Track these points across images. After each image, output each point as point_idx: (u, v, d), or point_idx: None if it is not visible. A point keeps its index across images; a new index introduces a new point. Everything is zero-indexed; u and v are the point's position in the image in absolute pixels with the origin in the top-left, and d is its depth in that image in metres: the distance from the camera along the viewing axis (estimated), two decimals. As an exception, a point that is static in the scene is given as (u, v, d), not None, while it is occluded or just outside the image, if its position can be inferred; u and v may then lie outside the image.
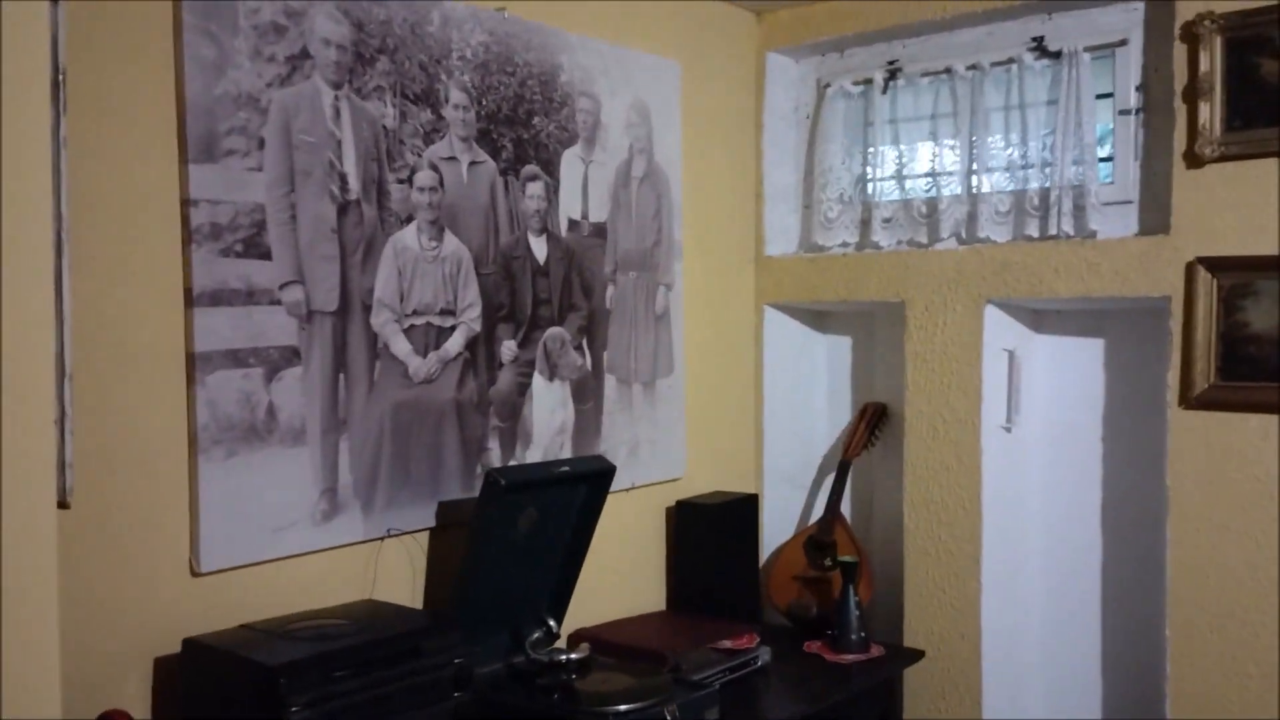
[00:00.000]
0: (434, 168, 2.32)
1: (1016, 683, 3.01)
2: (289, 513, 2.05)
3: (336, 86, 2.12)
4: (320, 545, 2.11)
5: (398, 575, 2.27)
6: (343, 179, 2.14)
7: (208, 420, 1.93)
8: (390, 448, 2.24)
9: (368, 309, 2.19)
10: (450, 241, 2.36)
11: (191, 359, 1.91)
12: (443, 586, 2.32)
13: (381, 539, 2.23)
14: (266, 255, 2.01)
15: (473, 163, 2.40)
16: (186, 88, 1.90)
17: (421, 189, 2.29)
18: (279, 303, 2.03)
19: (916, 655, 2.90)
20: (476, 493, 2.33)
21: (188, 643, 1.85)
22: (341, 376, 2.15)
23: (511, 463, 2.50)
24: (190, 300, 1.91)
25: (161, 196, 1.89)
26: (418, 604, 2.31)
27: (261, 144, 2.00)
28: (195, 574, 1.93)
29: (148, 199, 1.87)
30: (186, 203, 1.90)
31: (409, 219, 2.28)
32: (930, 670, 2.94)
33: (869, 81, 3.15)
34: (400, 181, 2.26)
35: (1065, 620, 3.03)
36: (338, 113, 2.13)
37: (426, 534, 2.33)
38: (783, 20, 3.21)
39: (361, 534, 2.19)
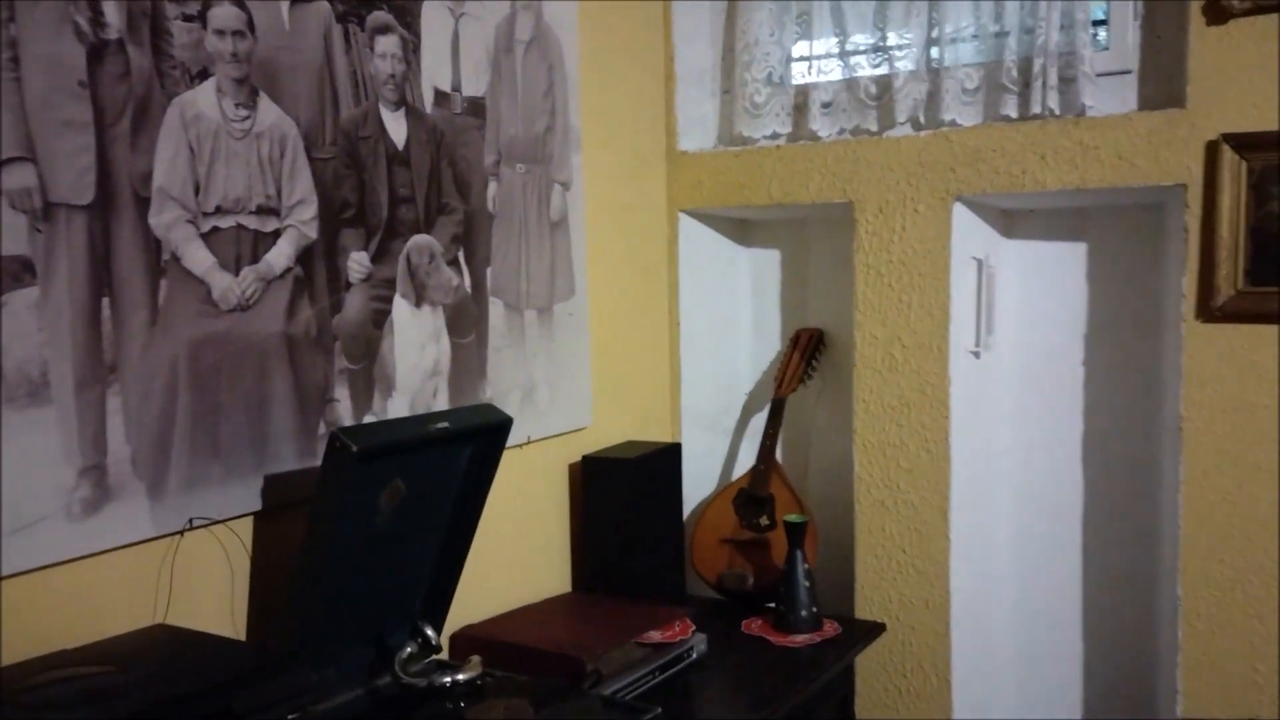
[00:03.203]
0: (239, 2, 1.62)
1: (988, 652, 2.55)
2: (29, 505, 1.37)
3: None
4: (82, 549, 1.44)
5: (206, 584, 1.61)
6: (94, 7, 1.43)
7: (-126, 371, 1.23)
8: (189, 403, 1.57)
9: (144, 203, 1.51)
10: (268, 110, 1.68)
11: None
12: (275, 593, 1.68)
13: (180, 533, 1.57)
14: (-33, 115, 1.31)
15: (296, 0, 1.72)
16: None
17: (221, 32, 1.60)
18: (-7, 189, 1.33)
19: (876, 629, 2.40)
20: (317, 461, 1.69)
21: None
22: (105, 302, 1.46)
23: (368, 418, 1.86)
24: None
25: None
26: (237, 624, 1.66)
27: (-52, -61, 1.28)
28: None
29: None
30: None
31: (203, 74, 1.58)
32: (889, 644, 2.46)
33: (802, -67, 2.56)
34: (188, 19, 1.56)
35: (1042, 578, 2.58)
36: (80, -95, 1.41)
37: (249, 521, 1.68)
38: None
39: (149, 529, 1.52)
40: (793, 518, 2.34)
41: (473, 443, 1.76)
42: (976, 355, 2.46)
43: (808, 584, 2.32)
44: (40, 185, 1.38)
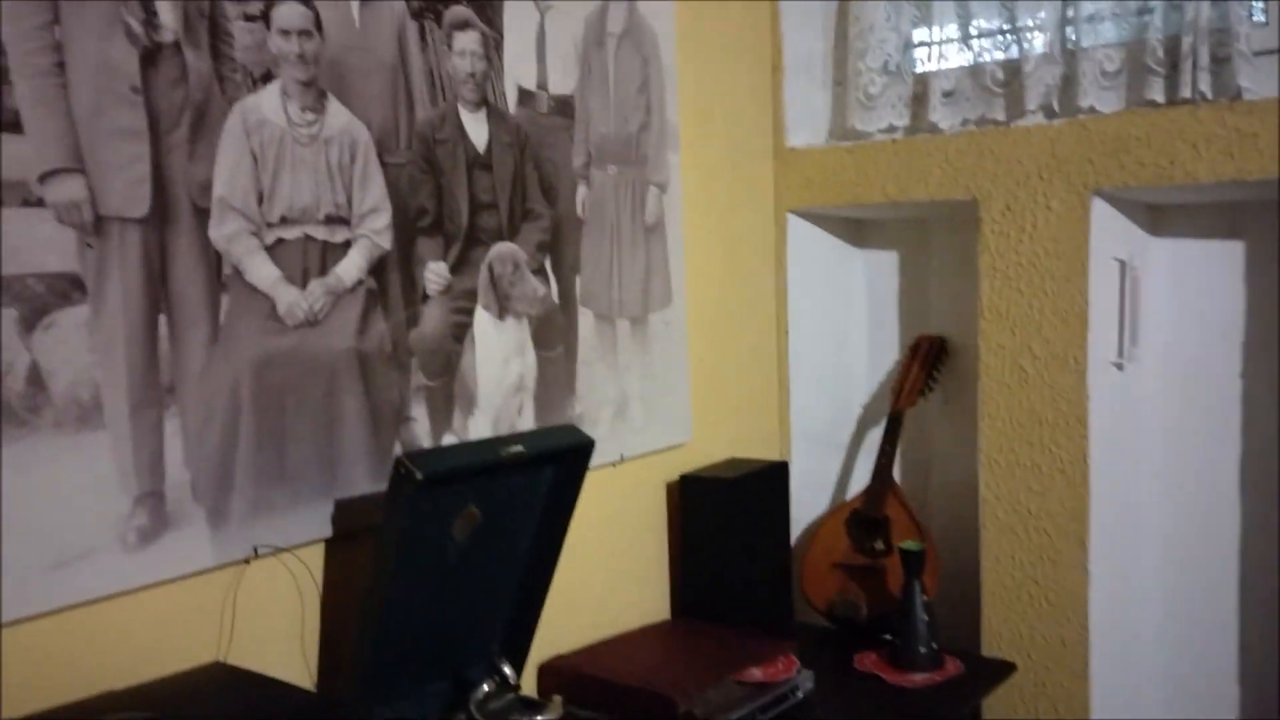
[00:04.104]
0: (305, 0, 1.53)
1: (1132, 697, 2.30)
2: (80, 535, 1.30)
3: None
4: (138, 581, 1.36)
5: (273, 617, 1.53)
6: (148, 8, 1.35)
7: (-86, 397, 1.17)
8: (253, 424, 1.48)
9: (203, 214, 1.43)
10: (337, 114, 1.58)
11: (-123, 296, 1.15)
12: (349, 626, 1.59)
13: (244, 562, 1.48)
14: (14, 126, 1.24)
15: (368, -2, 1.62)
16: None
17: (286, 32, 1.51)
18: (41, 203, 1.26)
19: (1005, 669, 2.19)
20: (394, 483, 1.59)
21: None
22: (162, 320, 1.39)
23: (447, 438, 1.75)
24: None
25: None
26: (308, 659, 1.57)
27: (-9, -60, 1.22)
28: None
29: None
30: None
31: (267, 77, 1.50)
32: (1019, 686, 2.23)
33: (921, -92, 2.36)
34: (250, 18, 1.47)
35: (1195, 615, 2.31)
36: (133, -99, 1.34)
37: (319, 549, 1.58)
38: None
39: (209, 558, 1.44)
40: (909, 545, 2.14)
41: (554, 465, 1.63)
42: (1119, 367, 2.22)
43: (926, 618, 2.13)
44: (90, 198, 1.30)
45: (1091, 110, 2.15)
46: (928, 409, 2.55)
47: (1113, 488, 2.20)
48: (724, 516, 2.15)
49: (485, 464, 1.50)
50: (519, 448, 1.52)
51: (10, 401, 1.24)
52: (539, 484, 1.64)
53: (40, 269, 1.26)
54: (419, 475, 1.39)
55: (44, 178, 1.26)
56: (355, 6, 1.60)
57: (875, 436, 2.55)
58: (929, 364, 2.48)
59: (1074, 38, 2.20)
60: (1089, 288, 2.11)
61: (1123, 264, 2.20)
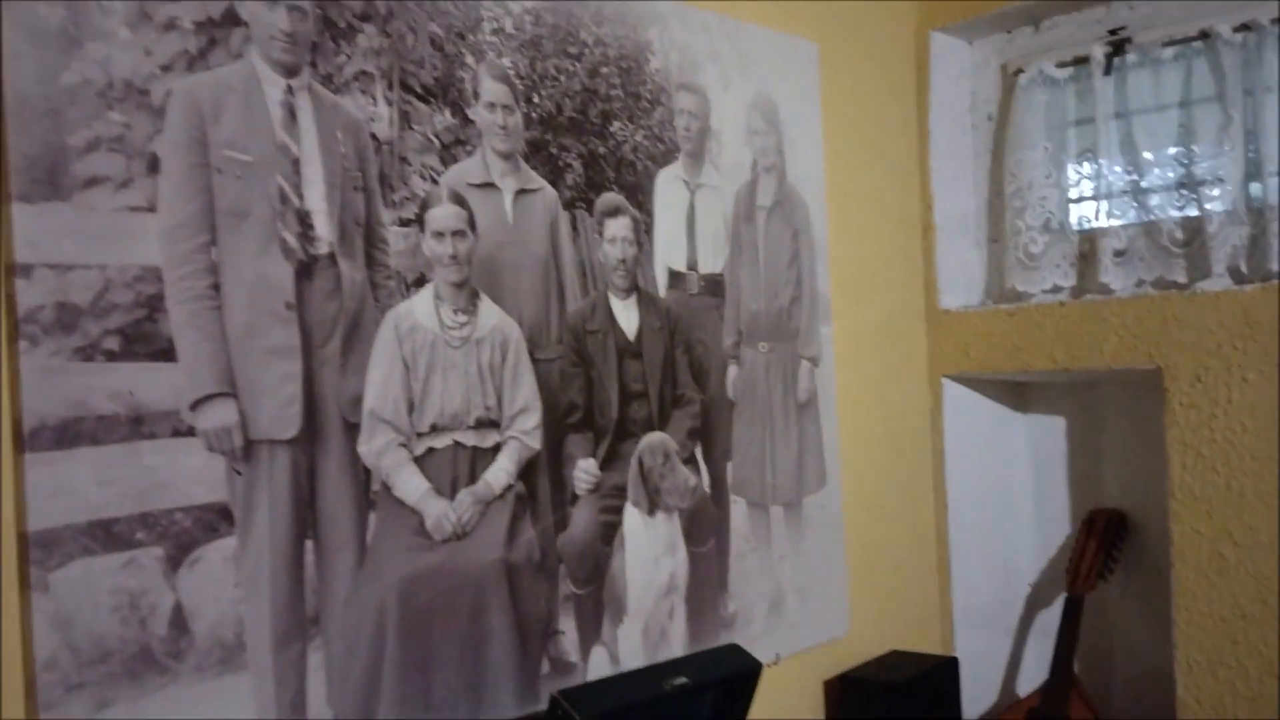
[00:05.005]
0: (459, 200, 1.48)
1: None
2: (216, 789, 1.20)
3: (289, 72, 1.30)
4: (275, 837, 1.25)
5: None
6: (304, 220, 1.31)
7: (56, 651, 1.09)
8: (397, 652, 1.37)
9: (353, 429, 1.35)
10: (489, 313, 1.51)
11: (24, 545, 1.08)
12: None
13: (385, 806, 1.36)
14: (166, 354, 1.18)
15: (521, 191, 1.56)
16: (7, 73, 1.09)
17: (440, 234, 1.45)
18: (191, 432, 1.20)
19: None
20: (542, 705, 1.46)
21: None
22: (310, 545, 1.30)
23: (596, 651, 1.62)
24: (20, 441, 1.09)
25: (-37, 261, 1.07)
26: None
27: (153, 165, 1.18)
28: None
29: (-64, 267, 1.06)
30: (10, 271, 1.09)
31: (420, 281, 1.44)
32: None
33: (1082, 61, 2.24)
34: (404, 223, 1.42)
35: None
36: (292, 114, 1.30)
37: (463, 782, 1.45)
38: (949, -13, 2.33)
39: (350, 804, 1.32)
40: (1103, 760, 1.91)
41: (716, 688, 1.48)
42: (1335, 555, 1.97)
43: (1127, 846, 1.88)
44: (241, 421, 1.24)
45: (1288, 272, 1.97)
46: (1108, 590, 2.32)
47: (1338, 696, 1.93)
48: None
49: (646, 699, 1.36)
50: (682, 679, 1.37)
51: (151, 648, 1.15)
52: (701, 708, 1.49)
53: (188, 502, 1.20)
54: (578, 718, 1.26)
55: (196, 404, 1.20)
56: (508, 200, 1.54)
57: (1046, 619, 2.33)
58: (1107, 542, 2.27)
59: (1258, 194, 2.03)
60: (1299, 470, 1.90)
61: (1334, 441, 1.97)
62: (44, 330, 1.10)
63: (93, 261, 1.14)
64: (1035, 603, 2.45)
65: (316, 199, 1.32)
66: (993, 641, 2.41)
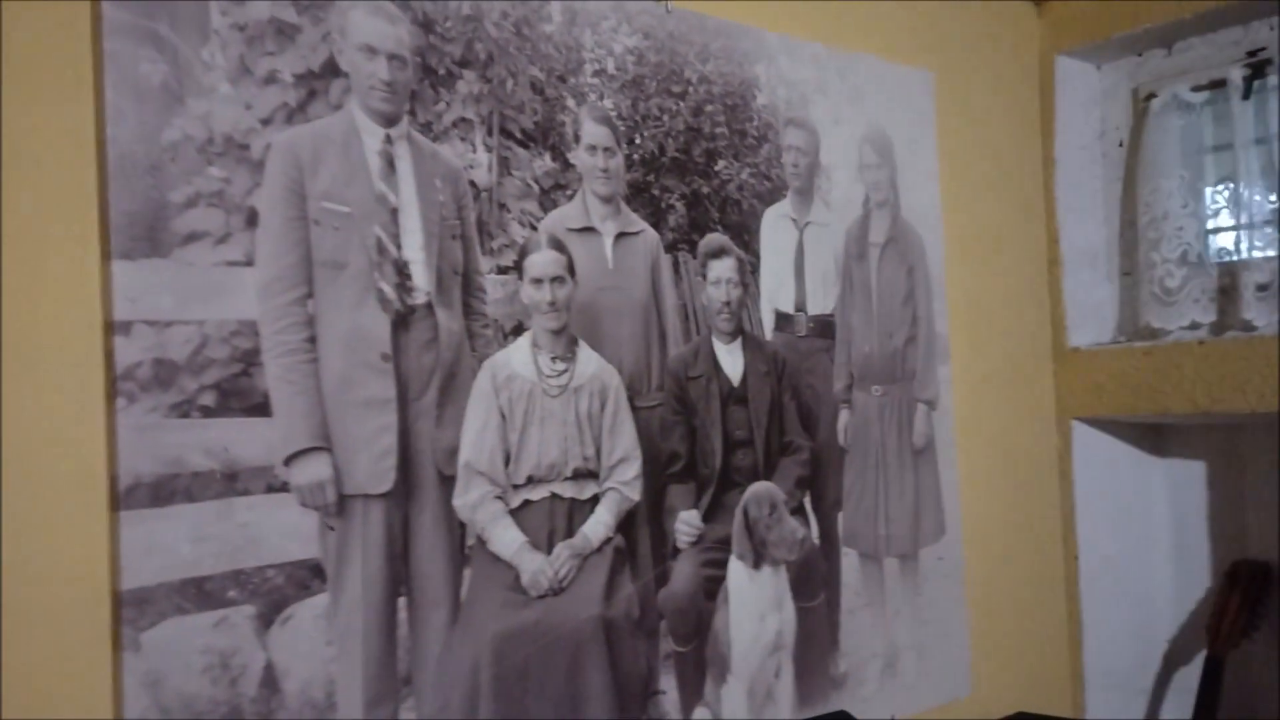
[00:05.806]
0: (558, 245, 1.44)
1: None
2: None
3: (389, 121, 1.29)
4: None
5: None
6: (401, 271, 1.29)
7: (145, 712, 1.08)
8: (492, 713, 1.33)
9: (448, 482, 1.32)
10: (588, 360, 1.47)
11: (118, 605, 1.08)
12: None
13: None
14: (261, 410, 1.17)
15: (622, 234, 1.52)
16: (110, 131, 1.10)
17: (538, 280, 1.42)
18: (285, 488, 1.19)
19: None
20: (641, 769, 1.41)
21: None
22: (402, 601, 1.27)
23: (699, 712, 1.55)
24: (116, 499, 1.08)
25: (64, 319, 1.08)
26: None
27: (251, 219, 1.18)
28: None
29: (37, 326, 1.07)
30: (109, 329, 1.09)
31: (518, 329, 1.40)
32: None
33: (1219, 84, 2.09)
34: (502, 271, 1.39)
35: None
36: (391, 164, 1.29)
37: None
38: (1076, 10, 2.20)
39: None
40: (1254, 843, 1.75)
41: (825, 759, 1.40)
42: None
43: None
44: (335, 476, 1.22)
45: None
46: (1252, 651, 2.14)
47: None
48: (1013, 789, 1.84)
49: (749, 771, 1.29)
50: (789, 752, 1.30)
51: (242, 709, 1.14)
52: (807, 779, 1.41)
53: (280, 558, 1.18)
54: (676, 793, 1.19)
55: (290, 459, 1.19)
56: (609, 244, 1.50)
57: (1185, 679, 2.16)
58: (1251, 596, 2.10)
59: None
60: None
61: None
62: (141, 387, 1.10)
63: (190, 317, 1.14)
64: (1173, 662, 2.28)
65: (414, 248, 1.30)
66: (1127, 703, 2.25)
